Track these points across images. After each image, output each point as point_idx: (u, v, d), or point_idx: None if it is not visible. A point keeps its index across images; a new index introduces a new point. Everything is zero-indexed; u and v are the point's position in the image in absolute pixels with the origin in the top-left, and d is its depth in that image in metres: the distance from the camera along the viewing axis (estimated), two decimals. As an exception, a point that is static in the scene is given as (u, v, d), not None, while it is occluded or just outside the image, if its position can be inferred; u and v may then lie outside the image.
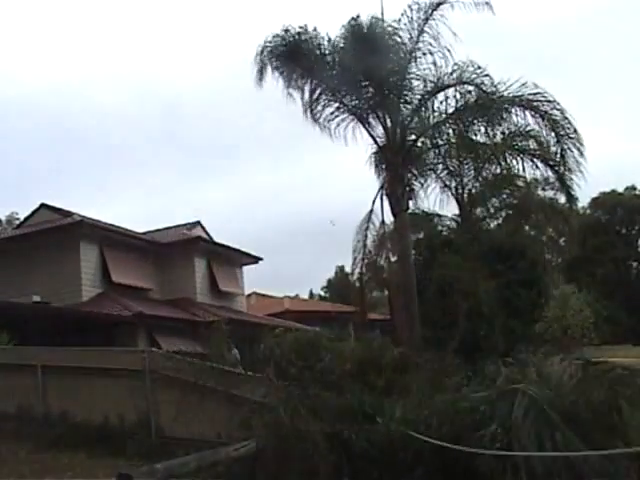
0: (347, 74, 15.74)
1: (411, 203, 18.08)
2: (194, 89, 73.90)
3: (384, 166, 16.97)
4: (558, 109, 14.37)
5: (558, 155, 14.93)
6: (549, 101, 14.35)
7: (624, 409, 5.38)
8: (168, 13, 79.26)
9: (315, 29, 15.81)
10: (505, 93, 14.50)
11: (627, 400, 5.53)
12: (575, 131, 14.48)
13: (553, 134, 14.68)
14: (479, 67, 14.67)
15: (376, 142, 16.63)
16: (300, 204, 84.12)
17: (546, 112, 14.42)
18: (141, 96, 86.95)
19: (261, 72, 15.80)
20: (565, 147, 14.72)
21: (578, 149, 14.68)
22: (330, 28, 15.99)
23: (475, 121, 15.03)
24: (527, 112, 14.55)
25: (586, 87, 79.05)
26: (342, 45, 15.67)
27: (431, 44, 15.57)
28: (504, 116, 14.60)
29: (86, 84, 76.84)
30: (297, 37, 15.75)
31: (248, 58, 15.89)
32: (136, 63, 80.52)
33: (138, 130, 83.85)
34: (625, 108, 75.95)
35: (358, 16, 15.69)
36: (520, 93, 14.41)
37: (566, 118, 14.41)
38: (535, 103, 14.42)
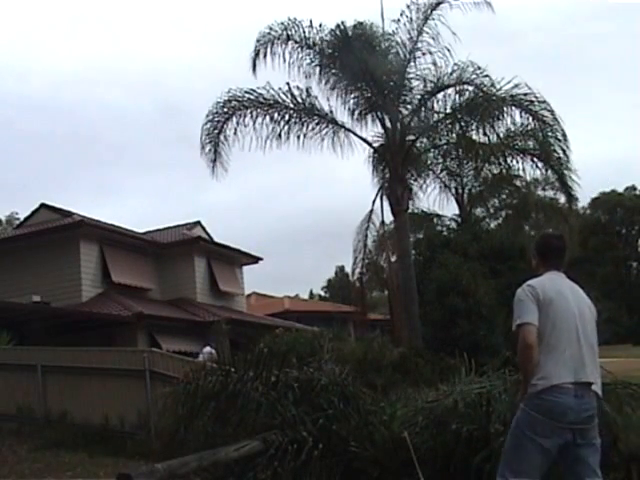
0: (345, 76, 15.73)
1: (411, 203, 18.12)
2: (197, 88, 73.97)
3: (384, 166, 16.98)
4: (549, 110, 14.39)
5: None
6: (540, 102, 14.37)
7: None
8: (178, 12, 79.33)
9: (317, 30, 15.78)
10: (499, 93, 14.50)
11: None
12: (564, 134, 14.51)
13: (541, 135, 14.71)
14: (479, 67, 14.68)
15: (371, 145, 16.66)
16: (300, 204, 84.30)
17: (537, 112, 14.44)
18: (144, 96, 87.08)
19: (255, 65, 15.74)
20: (552, 149, 14.75)
21: (565, 152, 14.73)
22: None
23: (471, 120, 15.03)
24: (518, 112, 14.55)
25: (587, 86, 79.14)
26: (335, 50, 15.61)
27: (431, 44, 15.59)
28: (498, 115, 14.59)
29: (89, 83, 76.95)
30: (297, 38, 15.73)
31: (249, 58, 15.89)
32: (138, 62, 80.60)
33: (139, 130, 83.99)
34: (626, 108, 76.00)
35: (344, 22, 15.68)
36: (513, 93, 14.42)
37: (556, 120, 14.43)
38: (526, 103, 14.44)
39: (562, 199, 20.99)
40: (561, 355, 3.83)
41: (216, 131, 15.47)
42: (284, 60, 15.58)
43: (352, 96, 16.03)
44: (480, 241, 21.58)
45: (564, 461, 3.89)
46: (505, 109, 14.56)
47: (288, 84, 15.31)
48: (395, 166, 15.91)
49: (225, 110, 15.37)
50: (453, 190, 22.96)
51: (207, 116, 15.42)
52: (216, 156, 15.51)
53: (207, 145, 15.52)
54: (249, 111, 15.29)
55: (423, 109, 15.85)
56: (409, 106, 16.03)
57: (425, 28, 15.63)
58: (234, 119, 15.34)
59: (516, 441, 3.90)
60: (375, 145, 16.76)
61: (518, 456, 3.86)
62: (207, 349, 14.31)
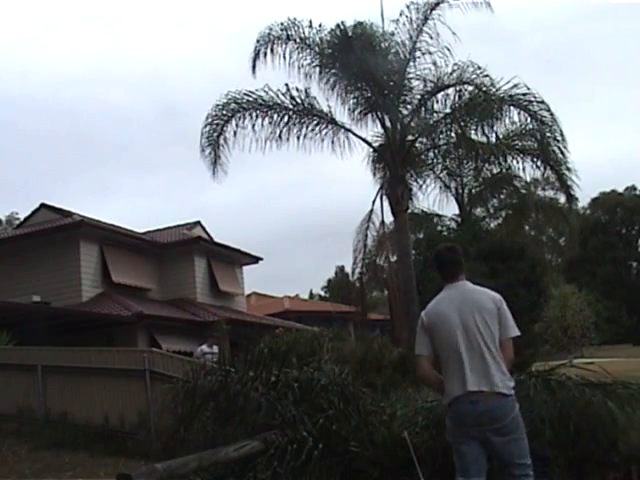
0: (345, 76, 15.74)
1: (411, 203, 18.10)
2: (198, 88, 73.95)
3: (383, 166, 16.98)
4: (547, 110, 14.38)
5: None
6: (539, 102, 14.36)
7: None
8: (179, 12, 79.34)
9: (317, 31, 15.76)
10: (498, 93, 14.49)
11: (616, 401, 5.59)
12: (562, 134, 14.50)
13: (539, 135, 14.71)
14: (479, 67, 14.67)
15: (371, 145, 16.65)
16: (300, 204, 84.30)
17: (535, 112, 14.44)
18: (144, 95, 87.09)
19: (255, 66, 15.72)
20: (551, 149, 14.75)
21: (563, 153, 14.73)
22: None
23: (470, 120, 15.02)
24: (517, 112, 14.54)
25: (587, 86, 79.14)
26: (335, 50, 15.60)
27: (431, 44, 15.58)
28: (497, 115, 14.58)
29: (89, 83, 76.96)
30: (298, 38, 15.73)
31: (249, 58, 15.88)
32: (139, 62, 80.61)
33: (139, 130, 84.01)
34: (626, 108, 75.99)
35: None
36: (512, 93, 14.41)
37: (554, 120, 14.43)
38: (525, 103, 14.43)
39: (562, 199, 20.98)
40: (452, 371, 4.32)
41: (215, 134, 15.47)
42: (284, 60, 15.60)
43: (352, 96, 16.02)
44: (480, 241, 21.58)
45: (495, 458, 4.39)
46: (504, 109, 14.56)
47: (287, 85, 15.32)
48: (395, 166, 15.91)
49: (224, 112, 15.37)
50: (453, 190, 22.97)
51: (206, 119, 15.43)
52: (216, 159, 15.51)
53: (207, 148, 15.53)
54: (248, 113, 15.29)
55: (423, 109, 15.84)
56: (409, 106, 16.03)
57: (425, 28, 15.63)
58: (233, 121, 15.34)
59: (452, 447, 4.45)
60: (375, 145, 16.76)
61: (456, 459, 4.39)
62: (202, 347, 14.13)
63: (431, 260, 4.96)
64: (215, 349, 13.79)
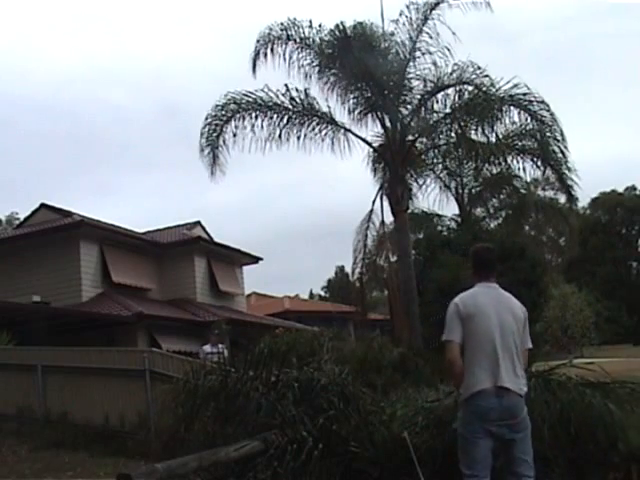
0: (345, 76, 15.73)
1: (411, 203, 18.10)
2: (199, 88, 73.92)
3: (383, 166, 16.98)
4: (547, 110, 14.37)
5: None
6: (539, 102, 14.35)
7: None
8: (180, 11, 79.30)
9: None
10: (498, 93, 14.47)
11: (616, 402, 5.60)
12: (562, 134, 14.49)
13: (539, 135, 14.70)
14: (479, 67, 14.65)
15: (371, 145, 16.64)
16: (300, 204, 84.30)
17: (535, 112, 14.43)
18: (145, 95, 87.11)
19: (255, 66, 15.71)
20: (551, 149, 14.75)
21: (563, 153, 14.72)
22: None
23: (470, 120, 15.01)
24: (517, 111, 14.52)
25: (587, 86, 79.15)
26: (335, 50, 15.59)
27: (430, 44, 15.57)
28: (497, 115, 14.57)
29: (89, 83, 76.94)
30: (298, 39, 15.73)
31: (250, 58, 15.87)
32: (140, 61, 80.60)
33: (139, 130, 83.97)
34: (627, 108, 76.00)
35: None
36: (512, 93, 14.39)
37: (554, 119, 14.42)
38: (525, 103, 14.42)
39: (562, 199, 20.98)
40: (482, 364, 4.48)
41: (215, 134, 15.46)
42: (284, 60, 15.60)
43: (352, 96, 16.02)
44: (480, 241, 21.49)
45: (502, 454, 4.55)
46: (504, 109, 14.54)
47: (287, 85, 15.31)
48: (395, 166, 15.90)
49: (223, 113, 15.36)
50: (453, 190, 22.95)
51: (206, 119, 15.42)
52: (215, 159, 15.50)
53: (206, 148, 15.52)
54: (248, 113, 15.28)
55: (423, 109, 15.84)
56: (409, 106, 16.02)
57: (425, 28, 15.62)
58: (233, 122, 15.33)
59: (461, 441, 4.57)
60: (375, 145, 16.75)
61: (466, 453, 4.52)
62: (204, 348, 14.11)
63: (469, 257, 5.06)
64: (221, 348, 13.73)
